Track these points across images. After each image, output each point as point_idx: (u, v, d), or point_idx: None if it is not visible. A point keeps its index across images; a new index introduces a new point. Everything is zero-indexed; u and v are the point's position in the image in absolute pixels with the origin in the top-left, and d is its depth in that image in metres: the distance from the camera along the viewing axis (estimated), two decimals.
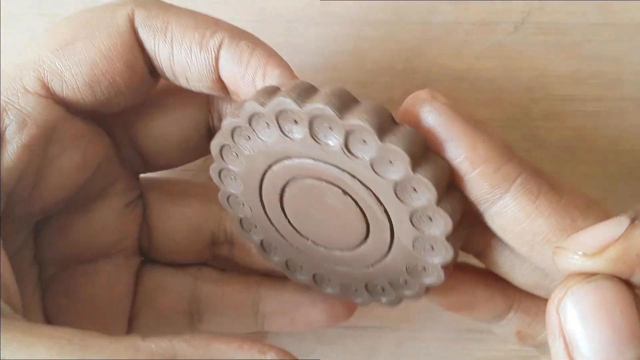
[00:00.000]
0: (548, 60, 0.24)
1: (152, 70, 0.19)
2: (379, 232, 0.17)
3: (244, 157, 0.17)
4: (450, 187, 0.16)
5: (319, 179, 0.17)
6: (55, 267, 0.20)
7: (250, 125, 0.16)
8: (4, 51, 0.25)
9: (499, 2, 0.24)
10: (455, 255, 0.17)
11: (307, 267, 0.20)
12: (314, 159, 0.16)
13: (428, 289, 0.18)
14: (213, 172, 0.18)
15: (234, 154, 0.18)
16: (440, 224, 0.16)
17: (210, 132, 0.20)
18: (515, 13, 0.24)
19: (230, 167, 0.18)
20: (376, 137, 0.15)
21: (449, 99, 0.24)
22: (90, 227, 0.20)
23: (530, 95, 0.24)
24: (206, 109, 0.20)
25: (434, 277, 0.18)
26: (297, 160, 0.17)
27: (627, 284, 0.13)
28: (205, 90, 0.18)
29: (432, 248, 0.17)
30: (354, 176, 0.16)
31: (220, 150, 0.18)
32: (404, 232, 0.17)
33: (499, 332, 0.20)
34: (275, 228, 0.19)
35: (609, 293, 0.13)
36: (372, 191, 0.16)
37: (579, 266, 0.14)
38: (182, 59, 0.18)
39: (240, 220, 0.20)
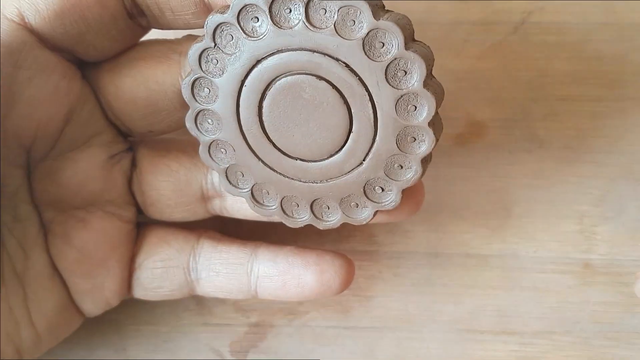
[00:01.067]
0: (548, 60, 0.24)
1: (134, 13, 0.19)
2: (361, 109, 0.17)
3: (224, 61, 0.17)
4: (414, 39, 0.17)
5: (290, 73, 0.17)
6: (52, 211, 0.21)
7: (238, 20, 0.17)
8: None
9: (499, 2, 0.24)
10: (435, 143, 0.17)
11: (275, 191, 0.19)
12: (281, 51, 0.17)
13: (426, 164, 0.18)
14: (186, 85, 0.18)
15: (214, 60, 0.18)
16: (416, 72, 0.16)
17: (182, 99, 0.20)
18: (515, 13, 0.24)
19: (208, 76, 0.18)
20: (370, 14, 0.15)
21: (449, 99, 0.24)
22: (75, 175, 0.20)
23: (530, 95, 0.24)
24: (176, 73, 0.20)
25: (411, 172, 0.18)
26: (266, 62, 0.17)
27: None
28: (191, 21, 0.19)
29: (415, 107, 0.17)
30: (322, 52, 0.16)
31: (199, 57, 0.18)
32: (383, 97, 0.17)
33: None
34: (248, 144, 0.19)
35: None
36: (342, 61, 0.16)
37: None
38: None
39: (209, 145, 0.19)
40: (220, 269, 0.22)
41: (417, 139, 0.17)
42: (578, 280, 0.24)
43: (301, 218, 0.19)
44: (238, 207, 0.22)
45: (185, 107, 0.19)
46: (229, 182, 0.20)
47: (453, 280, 0.24)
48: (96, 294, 0.21)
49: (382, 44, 0.16)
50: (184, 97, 0.18)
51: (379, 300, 0.24)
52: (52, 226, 0.21)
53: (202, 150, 0.19)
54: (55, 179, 0.20)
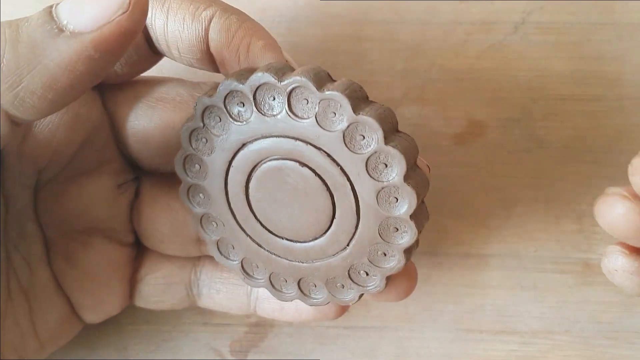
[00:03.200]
0: (548, 60, 0.24)
1: (150, 41, 0.19)
2: (343, 198, 0.17)
3: (212, 141, 0.18)
4: (414, 166, 0.17)
5: (275, 158, 0.17)
6: (55, 231, 0.21)
7: (224, 104, 0.17)
8: None
9: (499, 2, 0.24)
10: (417, 235, 0.17)
11: (264, 266, 0.20)
12: (265, 137, 0.17)
13: (389, 279, 0.18)
14: (178, 160, 0.19)
15: (204, 139, 0.18)
16: (395, 166, 0.16)
17: None
18: (515, 13, 0.24)
19: (197, 153, 0.18)
20: (315, 90, 0.16)
21: (449, 99, 0.24)
22: (80, 200, 0.21)
23: (530, 95, 0.24)
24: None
25: (394, 261, 0.18)
26: (251, 146, 0.17)
27: None
28: (195, 64, 0.19)
29: (396, 199, 0.17)
30: (305, 141, 0.17)
31: (190, 136, 0.18)
32: (365, 188, 0.17)
33: None
34: (236, 220, 0.19)
35: None
36: (324, 151, 0.17)
37: None
38: (175, 28, 0.18)
39: (201, 218, 0.20)
40: (221, 288, 0.22)
41: (399, 229, 0.17)
42: (578, 280, 0.24)
43: (289, 293, 0.20)
44: None
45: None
46: (220, 252, 0.20)
47: (453, 280, 0.24)
48: (98, 308, 0.22)
49: (362, 136, 0.16)
50: (177, 171, 0.19)
51: (381, 301, 0.24)
52: (55, 245, 0.21)
53: (194, 222, 0.20)
54: (60, 201, 0.20)
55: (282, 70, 0.17)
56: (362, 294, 0.19)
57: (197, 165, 0.19)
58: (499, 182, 0.24)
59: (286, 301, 0.20)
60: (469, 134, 0.24)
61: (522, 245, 0.24)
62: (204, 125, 0.18)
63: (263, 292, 0.22)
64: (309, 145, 0.17)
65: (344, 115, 0.16)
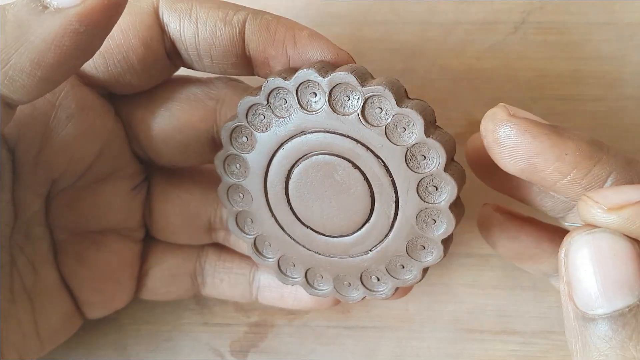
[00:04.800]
0: (548, 60, 0.24)
1: (172, 54, 0.19)
2: (384, 207, 0.18)
3: (255, 139, 0.18)
4: (453, 159, 0.17)
5: (329, 153, 0.18)
6: (66, 233, 0.21)
7: (267, 101, 0.17)
8: None
9: (499, 2, 0.24)
10: (455, 226, 0.18)
11: (300, 263, 0.20)
12: (327, 131, 0.17)
13: (426, 271, 0.19)
14: (218, 160, 0.19)
15: (244, 137, 0.18)
16: (446, 191, 0.17)
17: (214, 141, 0.21)
18: (515, 13, 0.24)
19: (238, 152, 0.19)
20: (394, 102, 0.16)
21: (449, 99, 0.24)
22: (96, 207, 0.21)
23: (530, 95, 0.24)
24: (211, 120, 0.20)
25: (433, 254, 0.18)
26: (310, 136, 0.17)
27: (633, 240, 0.15)
28: (229, 69, 0.19)
29: (435, 221, 0.17)
30: (366, 146, 0.17)
31: (231, 135, 0.18)
32: (409, 204, 0.17)
33: (557, 285, 0.20)
34: (274, 217, 0.19)
35: (606, 245, 0.15)
36: (382, 160, 0.17)
37: (595, 217, 0.15)
38: (207, 35, 0.18)
39: (237, 216, 0.20)
40: (224, 277, 0.22)
41: (426, 248, 0.18)
42: None
43: (294, 278, 0.20)
44: (240, 243, 0.22)
45: (215, 149, 0.20)
46: (257, 248, 0.20)
47: (453, 280, 0.24)
48: (105, 305, 0.22)
49: (423, 157, 0.17)
50: (218, 171, 0.19)
51: (379, 300, 0.24)
52: (65, 246, 0.21)
53: (231, 224, 0.20)
54: (74, 208, 0.21)
55: (364, 75, 0.17)
56: (365, 297, 0.19)
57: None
58: None
59: (288, 285, 0.20)
60: (469, 134, 0.24)
61: None
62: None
63: (265, 281, 0.22)
64: (368, 151, 0.17)
65: (413, 133, 0.17)
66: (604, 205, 0.15)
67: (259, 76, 0.19)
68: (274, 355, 0.24)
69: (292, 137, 0.18)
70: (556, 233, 0.20)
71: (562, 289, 0.15)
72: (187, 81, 0.20)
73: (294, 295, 0.22)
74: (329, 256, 0.19)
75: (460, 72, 0.24)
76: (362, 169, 0.17)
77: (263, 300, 0.23)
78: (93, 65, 0.18)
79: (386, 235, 0.18)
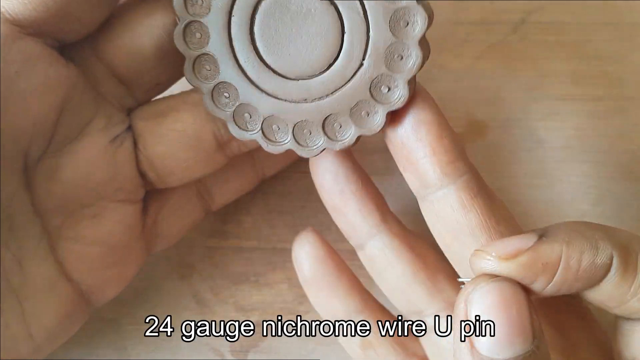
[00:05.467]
0: (548, 60, 0.24)
1: None
2: (354, 42, 0.17)
3: None
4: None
5: None
6: (59, 216, 0.20)
7: None
8: None
9: (499, 2, 0.24)
10: (422, 63, 0.17)
11: (258, 112, 0.19)
12: None
13: (389, 116, 0.18)
14: (178, 35, 0.18)
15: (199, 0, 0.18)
16: (418, 23, 0.17)
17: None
18: (515, 13, 0.24)
19: (196, 17, 0.18)
20: None
21: (449, 99, 0.24)
22: (77, 169, 0.19)
23: (530, 95, 0.24)
24: (171, 13, 0.19)
25: (398, 93, 0.17)
26: None
27: (525, 288, 0.16)
28: None
29: (402, 57, 0.17)
30: None
31: (185, 2, 0.18)
32: (380, 38, 0.17)
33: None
34: (236, 58, 0.18)
35: (509, 292, 0.16)
36: None
37: (490, 267, 0.16)
38: None
39: (195, 59, 0.18)
40: (230, 175, 0.22)
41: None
42: None
43: (316, 145, 0.19)
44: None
45: (175, 58, 0.19)
46: (237, 126, 0.19)
47: None
48: (121, 279, 0.21)
49: None
50: (178, 47, 0.18)
51: (379, 300, 0.24)
52: (63, 231, 0.20)
53: (187, 69, 0.19)
54: (57, 177, 0.19)
55: None
56: (389, 114, 0.18)
57: (197, 34, 0.18)
58: (499, 182, 0.24)
59: (313, 155, 0.19)
60: (469, 134, 0.24)
61: None
62: None
63: (268, 163, 0.23)
64: None
65: None
66: (497, 256, 0.16)
67: None
68: (274, 355, 0.24)
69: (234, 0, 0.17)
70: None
71: (459, 334, 0.16)
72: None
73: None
74: (333, 93, 0.18)
75: (460, 72, 0.24)
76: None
77: (269, 171, 0.23)
78: (32, 8, 0.17)
79: (367, 33, 0.17)
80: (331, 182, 0.20)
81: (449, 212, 0.18)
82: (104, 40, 0.19)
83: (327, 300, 0.21)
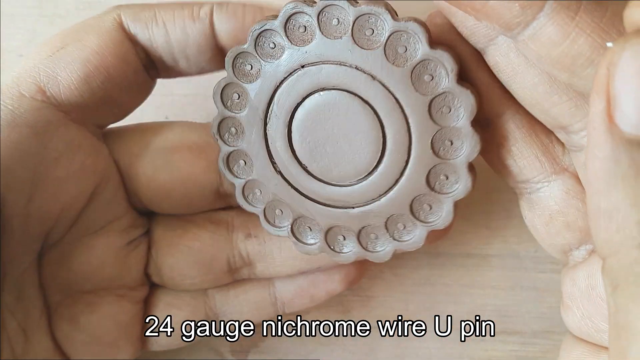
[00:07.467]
0: None
1: (147, 65, 0.19)
2: (395, 153, 0.16)
3: (260, 68, 0.17)
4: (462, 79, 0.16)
5: (336, 88, 0.16)
6: (59, 294, 0.20)
7: (284, 28, 0.16)
8: (4, 51, 0.25)
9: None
10: (472, 186, 0.16)
11: (289, 211, 0.18)
12: (335, 63, 0.16)
13: (430, 232, 0.17)
14: (217, 87, 0.17)
15: (249, 64, 0.17)
16: (461, 109, 0.15)
17: (219, 193, 0.20)
18: None
19: (240, 82, 0.17)
20: (389, 17, 0.15)
21: None
22: (89, 261, 0.20)
23: None
24: (215, 171, 0.19)
25: (442, 214, 0.17)
26: (320, 66, 0.16)
27: None
28: (206, 66, 0.19)
29: (447, 177, 0.16)
30: (371, 75, 0.16)
31: (233, 61, 0.17)
32: (422, 130, 0.16)
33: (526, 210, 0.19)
34: (270, 157, 0.18)
35: None
36: (386, 87, 0.16)
37: None
38: (178, 35, 0.18)
39: (228, 155, 0.18)
40: (245, 310, 0.21)
41: (432, 208, 0.17)
42: None
43: (347, 252, 0.18)
44: (270, 271, 0.21)
45: (220, 201, 0.19)
46: (267, 220, 0.19)
47: (453, 280, 0.24)
48: None
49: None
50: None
51: (380, 300, 0.24)
52: (59, 309, 0.20)
53: (221, 163, 0.18)
54: (67, 264, 0.19)
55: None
56: (429, 233, 0.17)
57: (236, 94, 0.17)
58: (500, 182, 0.24)
59: (346, 262, 0.18)
60: None
61: (522, 246, 0.24)
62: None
63: (287, 293, 0.21)
64: (386, 91, 0.16)
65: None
66: None
67: None
68: (274, 355, 0.24)
69: (298, 68, 0.16)
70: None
71: (595, 106, 0.12)
72: (183, 126, 0.20)
73: (325, 291, 0.21)
74: (326, 205, 0.18)
75: None
76: (370, 103, 0.16)
77: (292, 309, 0.22)
78: (78, 94, 0.18)
79: (394, 184, 0.17)
80: None
81: (551, 48, 0.14)
82: (139, 161, 0.20)
83: None
